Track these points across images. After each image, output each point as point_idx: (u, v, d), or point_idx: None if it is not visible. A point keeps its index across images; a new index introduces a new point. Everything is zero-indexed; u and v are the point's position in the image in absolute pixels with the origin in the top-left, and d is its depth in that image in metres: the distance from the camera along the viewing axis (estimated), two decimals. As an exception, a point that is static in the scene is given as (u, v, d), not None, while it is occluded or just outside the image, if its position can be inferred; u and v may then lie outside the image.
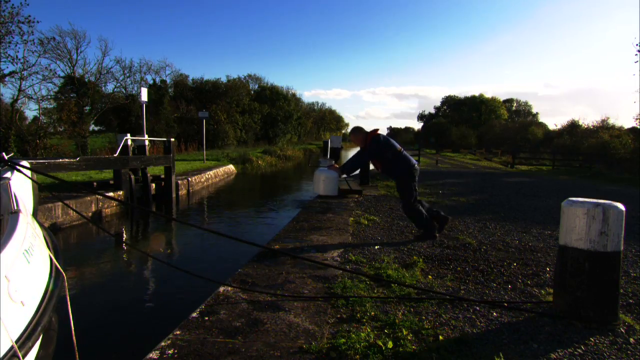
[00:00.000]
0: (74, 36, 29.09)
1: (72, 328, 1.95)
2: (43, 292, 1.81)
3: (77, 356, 2.03)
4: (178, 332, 2.68)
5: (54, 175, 3.11)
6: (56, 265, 2.03)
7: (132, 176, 12.09)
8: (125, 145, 12.46)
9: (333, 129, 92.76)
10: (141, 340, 4.23)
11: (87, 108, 28.96)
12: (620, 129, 31.07)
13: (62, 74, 28.35)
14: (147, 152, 14.37)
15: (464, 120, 66.52)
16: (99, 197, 10.13)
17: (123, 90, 34.78)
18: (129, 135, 12.88)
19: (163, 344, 2.53)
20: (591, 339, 2.69)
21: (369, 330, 2.72)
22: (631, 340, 2.69)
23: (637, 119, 25.03)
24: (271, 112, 50.17)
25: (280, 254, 4.55)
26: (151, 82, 40.04)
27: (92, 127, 31.71)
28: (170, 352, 2.43)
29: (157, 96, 34.72)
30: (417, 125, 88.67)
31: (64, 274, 2.05)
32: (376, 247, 4.99)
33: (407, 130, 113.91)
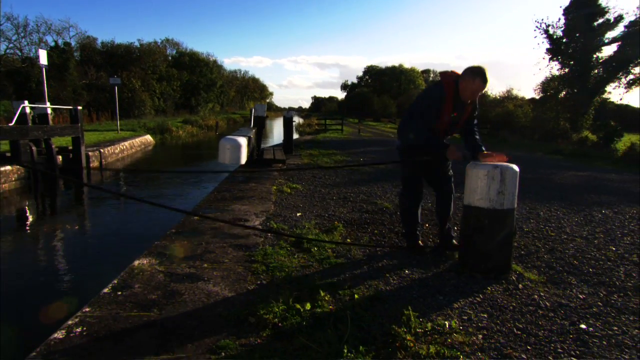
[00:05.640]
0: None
1: None
2: None
3: None
4: (87, 309, 2.54)
5: None
6: None
7: (34, 148, 10.99)
8: (23, 114, 11.28)
9: (257, 98, 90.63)
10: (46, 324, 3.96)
11: (-26, 72, 25.59)
12: (522, 99, 33.73)
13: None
14: (51, 122, 13.13)
15: (385, 90, 68.36)
16: (-6, 171, 9.13)
17: (18, 52, 31.17)
18: (26, 102, 11.63)
19: (70, 322, 2.38)
20: (488, 288, 2.98)
21: (287, 294, 2.77)
22: (520, 286, 3.02)
23: (536, 90, 27.56)
24: (191, 80, 47.84)
25: (202, 219, 4.45)
26: (52, 44, 36.17)
27: (-19, 93, 28.16)
28: (79, 330, 2.30)
29: (60, 60, 31.46)
30: (341, 95, 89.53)
31: None
32: (298, 214, 5.05)
33: (331, 99, 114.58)
